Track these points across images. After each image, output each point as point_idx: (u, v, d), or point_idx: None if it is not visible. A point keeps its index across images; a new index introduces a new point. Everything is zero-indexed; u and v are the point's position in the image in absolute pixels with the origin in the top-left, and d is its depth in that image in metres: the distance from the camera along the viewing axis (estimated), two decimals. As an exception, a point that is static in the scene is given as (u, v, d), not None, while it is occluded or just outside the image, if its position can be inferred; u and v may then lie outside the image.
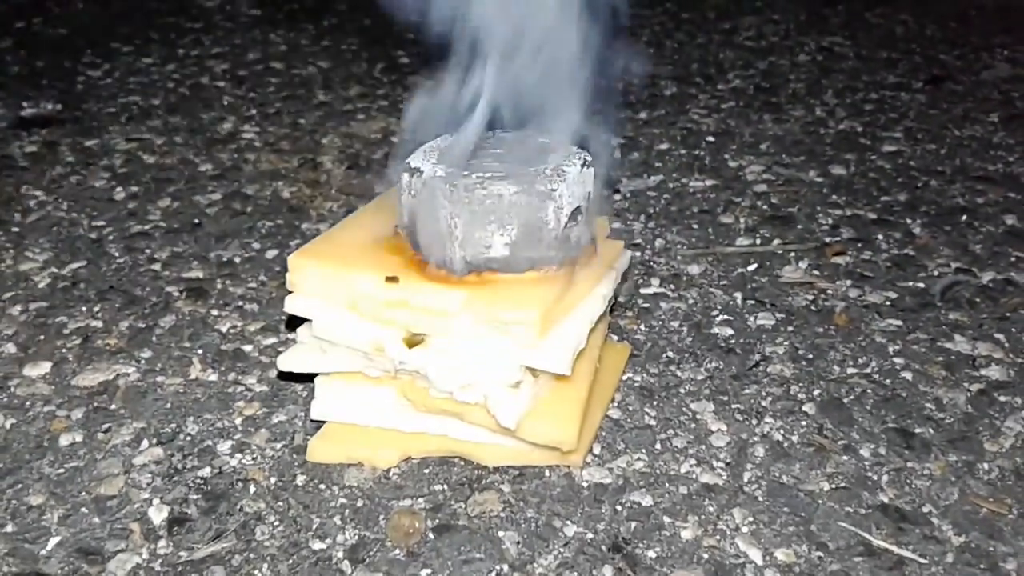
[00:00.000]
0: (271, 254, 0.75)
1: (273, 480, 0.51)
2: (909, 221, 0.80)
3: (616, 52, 0.54)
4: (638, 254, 0.74)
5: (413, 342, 0.49)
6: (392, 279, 0.49)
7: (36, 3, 1.41)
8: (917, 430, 0.55)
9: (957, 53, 1.23)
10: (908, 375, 0.60)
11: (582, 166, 0.50)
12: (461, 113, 0.50)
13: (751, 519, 0.48)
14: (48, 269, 0.73)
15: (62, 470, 0.52)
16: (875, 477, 0.51)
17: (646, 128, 1.00)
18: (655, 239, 0.77)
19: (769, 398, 0.58)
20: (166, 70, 1.17)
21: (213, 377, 0.60)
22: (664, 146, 0.95)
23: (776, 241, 0.76)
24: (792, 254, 0.75)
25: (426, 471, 0.52)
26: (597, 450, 0.53)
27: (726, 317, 0.66)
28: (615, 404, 0.57)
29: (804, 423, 0.56)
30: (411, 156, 0.51)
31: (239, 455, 0.53)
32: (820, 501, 0.50)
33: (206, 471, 0.52)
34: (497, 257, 0.49)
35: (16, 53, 1.22)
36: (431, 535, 0.48)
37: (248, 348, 0.63)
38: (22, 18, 1.36)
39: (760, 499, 0.50)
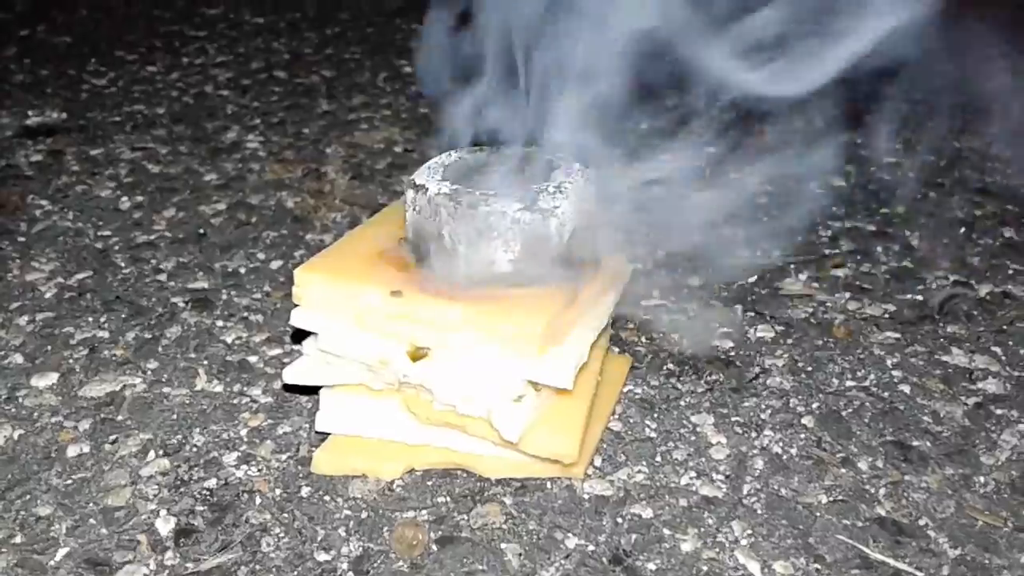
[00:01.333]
0: (276, 264, 0.76)
1: (278, 492, 0.52)
2: (908, 233, 0.80)
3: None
4: (639, 266, 0.75)
5: (417, 356, 0.50)
6: (396, 293, 0.50)
7: (40, 11, 1.42)
8: (914, 443, 0.55)
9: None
10: (906, 388, 0.61)
11: (585, 183, 0.51)
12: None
13: (750, 532, 0.49)
14: (54, 279, 0.73)
15: (70, 481, 0.53)
16: (872, 490, 0.52)
17: (647, 138, 1.00)
18: (656, 251, 0.77)
19: (768, 411, 0.58)
20: (170, 79, 1.18)
21: (219, 388, 0.61)
22: (664, 156, 0.96)
23: (776, 253, 0.77)
24: (792, 266, 0.75)
25: (429, 483, 0.52)
26: (598, 462, 0.54)
27: (726, 329, 0.67)
28: (616, 416, 0.58)
29: (803, 436, 0.56)
30: (416, 172, 0.52)
31: (244, 466, 0.54)
32: (818, 514, 0.50)
33: (212, 482, 0.53)
34: (500, 273, 0.50)
35: (20, 62, 1.23)
36: (434, 547, 0.48)
37: (253, 359, 0.63)
38: (26, 26, 1.37)
39: (759, 512, 0.50)
